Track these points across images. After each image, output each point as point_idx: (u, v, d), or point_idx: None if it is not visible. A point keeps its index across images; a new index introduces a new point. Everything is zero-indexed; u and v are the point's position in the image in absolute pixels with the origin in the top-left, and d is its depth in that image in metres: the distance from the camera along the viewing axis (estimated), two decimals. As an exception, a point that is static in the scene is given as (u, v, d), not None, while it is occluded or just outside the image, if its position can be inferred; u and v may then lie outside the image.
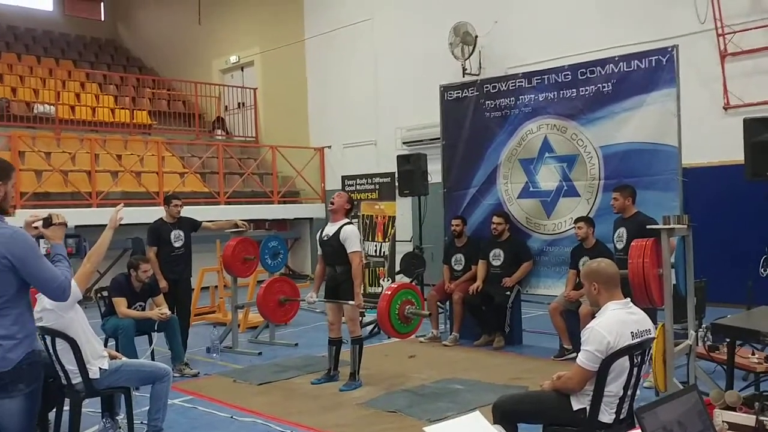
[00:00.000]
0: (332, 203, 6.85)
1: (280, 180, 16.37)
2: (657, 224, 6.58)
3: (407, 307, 6.36)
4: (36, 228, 3.72)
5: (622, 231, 6.96)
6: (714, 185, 10.05)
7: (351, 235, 6.65)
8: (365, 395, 6.41)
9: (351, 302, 6.65)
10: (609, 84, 7.75)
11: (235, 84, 19.30)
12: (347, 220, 6.85)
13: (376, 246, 10.01)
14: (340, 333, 6.93)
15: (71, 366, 4.74)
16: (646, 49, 7.73)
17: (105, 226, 4.48)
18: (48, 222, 3.74)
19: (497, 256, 8.42)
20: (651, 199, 7.26)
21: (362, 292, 9.63)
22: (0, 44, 20.00)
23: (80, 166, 13.81)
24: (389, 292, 6.35)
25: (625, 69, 7.65)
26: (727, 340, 5.17)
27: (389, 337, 8.94)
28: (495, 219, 8.40)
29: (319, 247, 6.96)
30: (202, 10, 19.50)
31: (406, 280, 10.25)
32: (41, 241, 3.72)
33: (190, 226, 8.16)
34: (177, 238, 7.98)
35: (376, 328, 9.39)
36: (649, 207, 7.09)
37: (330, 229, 6.78)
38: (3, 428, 3.35)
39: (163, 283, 7.62)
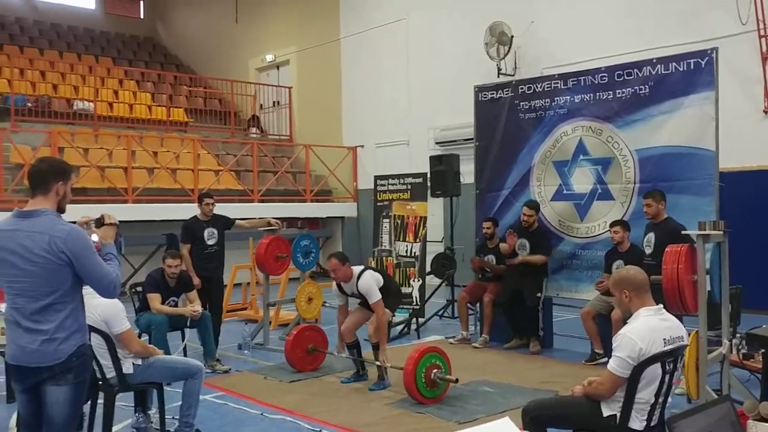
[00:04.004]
0: (335, 276, 6.74)
1: (313, 179, 16.45)
2: (686, 230, 6.53)
3: (434, 371, 6.20)
4: (88, 227, 3.81)
5: (651, 236, 6.86)
6: (752, 190, 9.89)
7: (369, 287, 6.64)
8: (394, 395, 6.42)
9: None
10: (646, 86, 7.64)
11: (270, 83, 19.44)
12: (358, 271, 6.76)
13: (407, 246, 10.01)
14: (355, 336, 6.98)
15: (106, 361, 4.85)
16: (685, 51, 7.61)
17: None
18: (100, 222, 3.85)
19: (523, 247, 8.30)
20: (686, 203, 7.15)
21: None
22: (43, 42, 20.40)
23: (117, 163, 14.02)
24: (416, 355, 6.18)
25: (662, 71, 7.54)
26: (763, 350, 5.09)
27: (419, 338, 9.00)
28: (526, 210, 8.25)
29: (339, 296, 6.97)
30: (239, 9, 19.68)
31: (437, 280, 10.27)
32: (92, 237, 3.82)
33: (224, 224, 8.25)
34: (210, 236, 8.08)
35: (406, 329, 9.40)
36: (684, 212, 6.99)
37: (351, 288, 6.78)
38: (49, 416, 3.47)
39: (196, 280, 7.71)
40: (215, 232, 8.13)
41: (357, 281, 6.68)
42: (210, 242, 8.07)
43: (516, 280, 8.29)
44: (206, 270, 7.99)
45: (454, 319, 9.59)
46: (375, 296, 6.61)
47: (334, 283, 6.91)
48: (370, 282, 6.66)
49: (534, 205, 8.32)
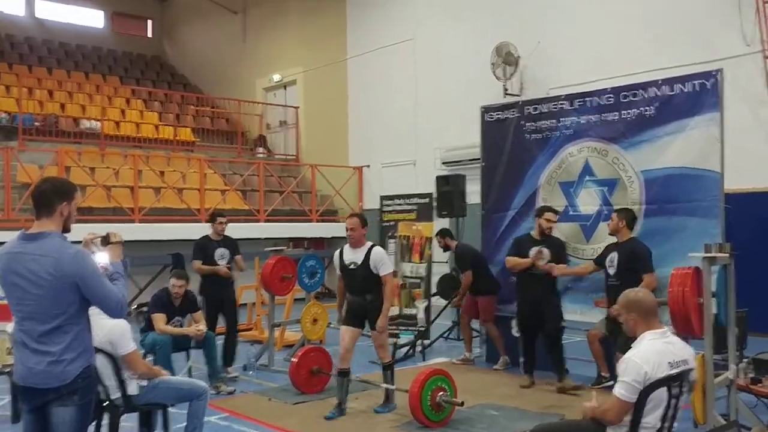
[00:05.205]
0: (351, 233, 6.53)
1: (318, 198, 16.48)
2: (649, 254, 6.61)
3: (439, 394, 6.16)
4: (94, 245, 3.81)
5: (614, 256, 6.81)
6: (758, 211, 9.84)
7: (383, 257, 6.52)
8: (399, 418, 6.38)
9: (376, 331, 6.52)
10: (652, 107, 7.65)
11: (277, 102, 19.54)
12: (371, 243, 6.64)
13: (412, 267, 9.99)
14: (350, 363, 6.62)
15: (110, 382, 4.83)
16: (691, 72, 7.61)
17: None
18: (106, 241, 3.84)
19: (543, 256, 7.51)
20: (692, 226, 7.12)
21: (398, 313, 9.70)
22: (51, 61, 20.56)
23: (123, 182, 14.07)
24: (421, 378, 6.13)
25: (668, 92, 7.54)
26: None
27: (424, 360, 8.96)
28: (551, 216, 7.60)
29: (338, 271, 6.76)
30: (247, 28, 19.85)
31: (443, 302, 10.23)
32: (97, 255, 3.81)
33: (234, 247, 8.28)
34: (222, 256, 8.11)
35: (411, 350, 9.36)
36: (690, 234, 6.96)
37: (355, 256, 6.52)
38: None
39: (223, 271, 7.98)
40: (226, 252, 8.16)
41: (369, 250, 6.48)
42: (221, 262, 8.10)
43: (533, 299, 7.55)
44: (217, 290, 8.01)
45: (460, 341, 9.55)
46: (389, 268, 6.50)
47: (338, 250, 6.73)
48: (384, 255, 6.61)
49: (556, 210, 7.82)
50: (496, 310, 8.63)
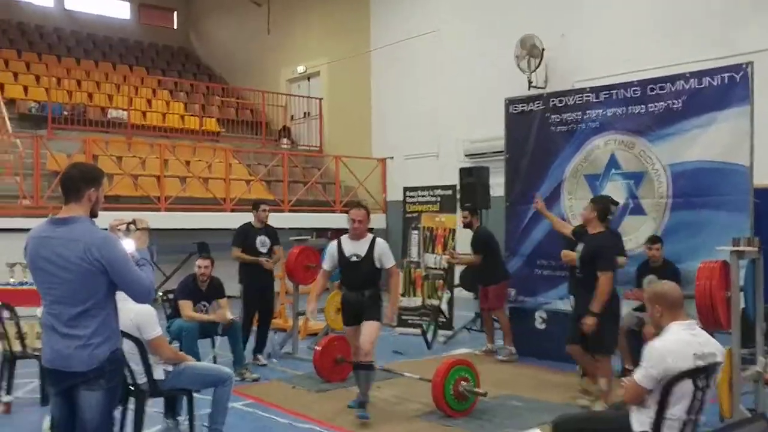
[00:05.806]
0: (358, 226, 6.17)
1: (342, 190, 16.49)
2: (612, 253, 6.33)
3: (462, 383, 6.15)
4: (120, 231, 3.84)
5: (581, 247, 6.36)
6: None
7: (387, 250, 6.20)
8: (422, 408, 6.40)
9: (376, 322, 6.16)
10: (679, 100, 7.57)
11: (301, 94, 19.58)
12: (372, 235, 6.33)
13: (435, 258, 10.00)
14: None
15: (137, 366, 4.89)
16: (719, 66, 7.54)
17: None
18: (134, 226, 3.87)
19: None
20: (720, 220, 7.05)
21: (421, 304, 9.72)
22: (79, 51, 20.76)
23: (150, 171, 14.19)
24: (444, 368, 6.13)
25: (696, 86, 7.47)
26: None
27: (445, 342, 8.96)
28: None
29: (330, 263, 6.35)
30: (271, 20, 19.89)
31: (466, 293, 10.24)
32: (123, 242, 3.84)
33: (275, 236, 8.34)
34: (262, 244, 8.17)
35: (433, 337, 9.36)
36: (717, 228, 6.90)
37: (357, 248, 6.16)
38: (82, 420, 3.53)
39: (268, 264, 8.08)
40: (267, 240, 8.21)
41: (372, 243, 6.16)
42: (262, 250, 8.16)
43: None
44: (258, 279, 8.10)
45: (482, 332, 9.54)
46: (392, 259, 6.21)
47: (334, 242, 6.37)
48: (387, 246, 6.25)
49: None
50: (505, 300, 8.66)
